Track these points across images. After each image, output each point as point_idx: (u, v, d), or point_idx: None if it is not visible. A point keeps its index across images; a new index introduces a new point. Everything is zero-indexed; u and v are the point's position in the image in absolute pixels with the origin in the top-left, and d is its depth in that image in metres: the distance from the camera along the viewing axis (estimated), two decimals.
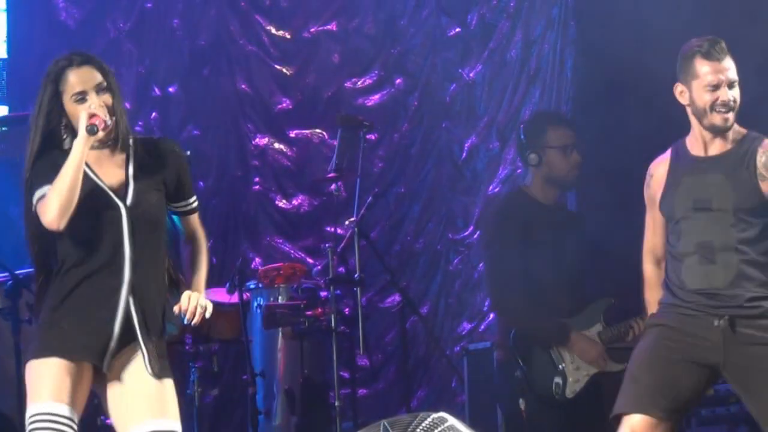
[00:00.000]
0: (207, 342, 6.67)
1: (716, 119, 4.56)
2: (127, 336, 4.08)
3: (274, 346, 7.02)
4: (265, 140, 8.49)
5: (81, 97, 4.09)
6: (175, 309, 4.11)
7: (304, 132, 8.52)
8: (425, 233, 8.24)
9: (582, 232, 6.08)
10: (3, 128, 7.07)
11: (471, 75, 8.02)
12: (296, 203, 8.47)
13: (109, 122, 4.08)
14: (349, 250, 6.73)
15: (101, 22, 8.31)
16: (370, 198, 6.78)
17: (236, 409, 7.71)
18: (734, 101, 4.56)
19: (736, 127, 4.62)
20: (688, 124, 4.68)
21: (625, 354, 5.74)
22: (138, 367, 4.08)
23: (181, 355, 6.66)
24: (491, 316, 7.58)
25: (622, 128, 6.73)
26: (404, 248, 8.26)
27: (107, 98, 4.11)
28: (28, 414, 4.01)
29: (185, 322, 4.11)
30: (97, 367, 4.07)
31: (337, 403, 6.48)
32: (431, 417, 3.03)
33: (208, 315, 4.12)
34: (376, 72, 8.45)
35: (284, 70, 8.54)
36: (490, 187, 7.78)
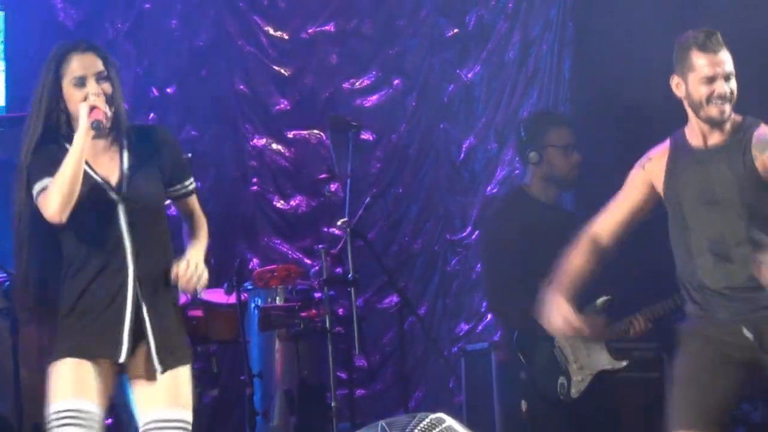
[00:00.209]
0: (205, 343, 6.66)
1: (713, 111, 4.55)
2: (141, 329, 4.08)
3: (272, 347, 7.02)
4: (263, 141, 8.48)
5: (80, 82, 4.07)
6: (173, 273, 4.08)
7: (302, 133, 8.52)
8: (423, 234, 8.24)
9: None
10: (0, 129, 7.07)
11: (469, 76, 8.03)
12: (294, 204, 8.47)
13: (108, 113, 4.07)
14: (346, 250, 6.73)
15: (100, 22, 8.29)
16: (368, 199, 6.78)
17: (234, 409, 7.70)
18: (731, 93, 4.55)
19: (732, 115, 4.60)
20: (684, 120, 4.69)
21: (627, 351, 5.77)
22: (151, 360, 4.09)
23: None
24: (489, 316, 7.59)
25: (619, 129, 6.73)
26: (402, 249, 8.26)
27: (106, 87, 4.09)
28: (49, 412, 4.01)
29: (180, 289, 4.09)
30: (120, 364, 4.09)
31: (333, 404, 6.49)
32: (429, 417, 3.03)
33: (202, 284, 4.09)
34: (374, 73, 8.45)
35: (282, 71, 8.54)
36: (488, 188, 7.79)
